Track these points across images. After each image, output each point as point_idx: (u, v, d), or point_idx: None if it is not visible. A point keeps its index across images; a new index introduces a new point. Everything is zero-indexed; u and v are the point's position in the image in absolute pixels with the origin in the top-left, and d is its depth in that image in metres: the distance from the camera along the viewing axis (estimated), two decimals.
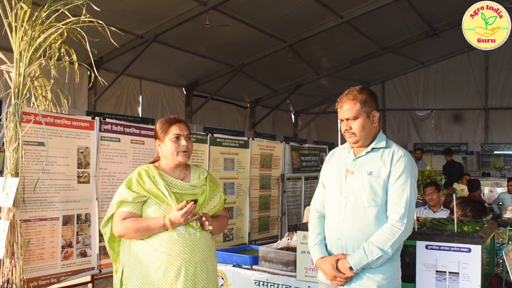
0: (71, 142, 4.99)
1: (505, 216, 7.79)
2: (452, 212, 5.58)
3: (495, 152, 20.28)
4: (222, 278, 4.58)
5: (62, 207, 4.90)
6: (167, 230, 3.23)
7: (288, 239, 5.01)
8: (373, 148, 3.29)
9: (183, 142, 3.36)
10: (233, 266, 4.63)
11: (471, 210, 5.26)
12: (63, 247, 4.91)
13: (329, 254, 3.28)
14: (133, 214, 3.27)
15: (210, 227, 3.34)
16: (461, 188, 10.57)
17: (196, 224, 3.30)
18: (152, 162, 3.50)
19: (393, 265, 3.20)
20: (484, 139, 20.50)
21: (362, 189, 3.21)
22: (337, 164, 3.43)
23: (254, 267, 4.58)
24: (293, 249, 4.56)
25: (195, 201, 3.26)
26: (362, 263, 3.09)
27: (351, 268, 3.11)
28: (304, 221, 5.14)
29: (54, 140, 4.80)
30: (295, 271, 4.17)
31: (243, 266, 4.61)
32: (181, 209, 3.19)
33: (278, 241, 5.13)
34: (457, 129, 20.85)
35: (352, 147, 3.38)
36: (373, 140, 3.31)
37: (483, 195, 11.88)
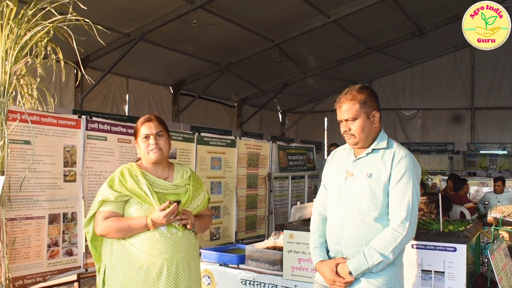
0: (57, 141, 4.96)
1: (490, 215, 7.82)
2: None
3: (481, 151, 20.43)
4: (209, 277, 4.57)
5: (48, 206, 4.88)
6: (149, 230, 3.20)
7: (275, 238, 5.02)
8: (373, 149, 3.16)
9: (151, 141, 3.32)
10: (220, 265, 4.62)
11: (436, 207, 5.22)
12: (49, 246, 4.89)
13: (329, 257, 3.17)
14: (115, 213, 3.24)
15: (189, 227, 3.30)
16: None
17: (178, 224, 3.26)
18: (137, 161, 3.49)
19: (394, 269, 3.08)
20: (470, 139, 20.65)
21: (362, 192, 3.08)
22: (337, 165, 3.30)
23: (240, 266, 4.58)
24: (279, 248, 4.56)
25: (178, 202, 3.22)
26: (362, 268, 2.97)
27: (350, 273, 3.00)
28: (290, 220, 5.14)
29: (40, 139, 4.77)
30: (282, 270, 4.18)
31: (230, 265, 4.61)
32: (164, 209, 3.16)
33: (265, 240, 5.14)
34: (443, 128, 20.98)
35: (353, 148, 3.26)
36: (373, 140, 3.18)
37: (469, 194, 11.90)
